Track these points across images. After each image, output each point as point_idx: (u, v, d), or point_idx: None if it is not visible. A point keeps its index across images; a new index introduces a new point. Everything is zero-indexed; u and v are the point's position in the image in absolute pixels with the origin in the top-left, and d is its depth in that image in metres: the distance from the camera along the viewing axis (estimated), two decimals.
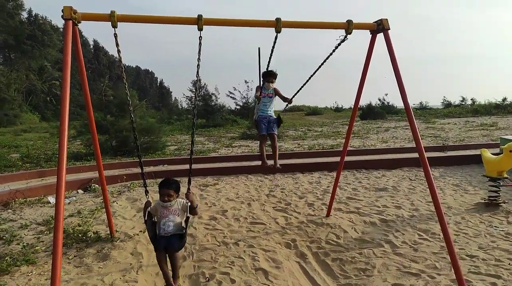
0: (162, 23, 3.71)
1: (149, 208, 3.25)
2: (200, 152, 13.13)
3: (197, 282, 3.64)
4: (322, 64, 4.45)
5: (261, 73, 5.18)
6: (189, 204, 3.28)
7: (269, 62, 4.45)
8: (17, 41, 48.52)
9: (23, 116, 40.41)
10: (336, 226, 5.11)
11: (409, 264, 3.86)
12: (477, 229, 4.85)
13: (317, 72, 4.50)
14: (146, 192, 3.42)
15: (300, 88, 4.90)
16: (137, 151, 3.59)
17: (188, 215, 3.26)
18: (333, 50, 4.18)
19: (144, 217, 3.24)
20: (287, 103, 5.10)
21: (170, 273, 3.19)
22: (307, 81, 4.68)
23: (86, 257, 4.26)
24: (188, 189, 3.41)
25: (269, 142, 5.03)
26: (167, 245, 3.14)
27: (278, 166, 4.97)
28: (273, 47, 4.03)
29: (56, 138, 18.79)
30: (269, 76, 4.98)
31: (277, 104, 5.14)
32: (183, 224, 3.25)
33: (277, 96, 5.03)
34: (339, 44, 4.04)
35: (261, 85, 5.06)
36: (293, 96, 4.99)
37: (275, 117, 5.05)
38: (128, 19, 3.55)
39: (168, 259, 3.21)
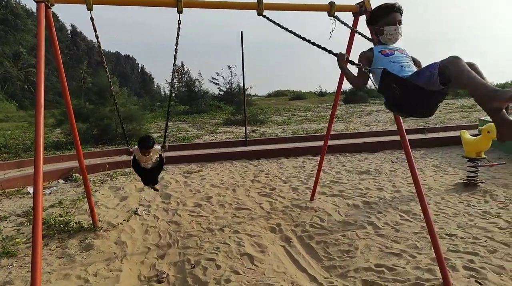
0: (141, 5, 3.58)
1: (133, 154, 4.21)
2: (184, 139, 13.00)
3: (183, 269, 3.64)
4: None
5: (372, 11, 2.87)
6: (164, 148, 4.22)
7: (298, 36, 3.46)
8: None
9: None
10: (320, 210, 5.17)
11: (391, 245, 3.95)
12: (456, 208, 4.99)
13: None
14: (127, 143, 4.30)
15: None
16: (122, 127, 4.36)
17: (161, 153, 4.26)
18: (352, 30, 3.87)
19: (130, 156, 4.31)
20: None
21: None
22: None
23: (68, 247, 4.20)
24: (164, 141, 4.22)
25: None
26: (152, 181, 4.52)
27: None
28: (277, 24, 3.56)
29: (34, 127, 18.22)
30: (390, 11, 2.61)
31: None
32: (158, 159, 4.31)
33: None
34: (345, 24, 3.76)
35: (377, 36, 2.76)
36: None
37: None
38: (104, 2, 3.40)
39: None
